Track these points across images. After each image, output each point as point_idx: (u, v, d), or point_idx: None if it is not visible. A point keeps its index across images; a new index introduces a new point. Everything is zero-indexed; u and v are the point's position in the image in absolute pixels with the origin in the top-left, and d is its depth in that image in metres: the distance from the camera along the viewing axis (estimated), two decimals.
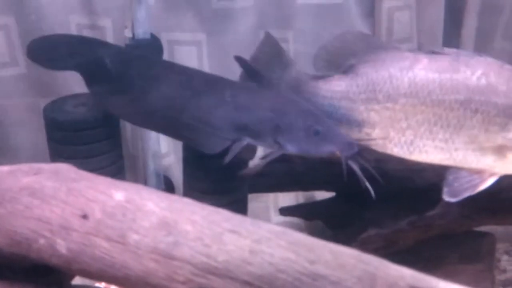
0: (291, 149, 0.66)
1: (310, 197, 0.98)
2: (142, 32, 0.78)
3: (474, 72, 0.57)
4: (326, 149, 0.63)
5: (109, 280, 0.50)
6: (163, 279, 0.48)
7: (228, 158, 0.68)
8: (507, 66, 0.58)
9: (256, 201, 0.98)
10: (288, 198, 0.96)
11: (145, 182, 0.83)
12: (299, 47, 0.91)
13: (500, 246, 0.89)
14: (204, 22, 0.91)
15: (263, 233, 0.51)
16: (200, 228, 0.50)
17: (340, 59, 0.64)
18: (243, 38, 0.92)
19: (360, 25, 0.93)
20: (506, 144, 0.56)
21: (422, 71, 0.59)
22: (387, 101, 0.59)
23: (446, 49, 0.59)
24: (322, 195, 0.90)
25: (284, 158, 0.87)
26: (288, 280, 0.47)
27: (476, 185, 0.58)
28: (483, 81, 0.56)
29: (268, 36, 0.71)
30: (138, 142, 0.86)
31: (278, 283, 0.47)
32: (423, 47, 0.93)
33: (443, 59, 0.58)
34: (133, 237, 0.49)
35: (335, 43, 0.65)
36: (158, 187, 0.83)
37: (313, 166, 0.84)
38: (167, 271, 0.48)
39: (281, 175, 0.84)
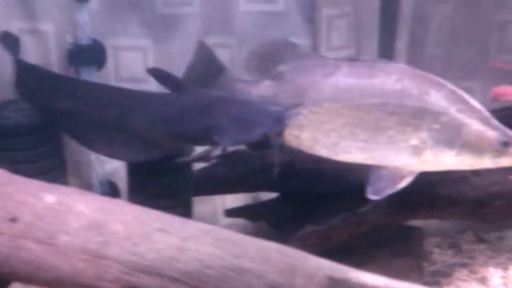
0: (225, 143, 0.70)
1: (258, 198, 1.01)
2: (84, 37, 0.79)
3: (389, 78, 0.61)
4: (258, 132, 0.66)
5: (39, 282, 0.51)
6: (93, 278, 0.50)
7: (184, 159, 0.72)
8: (419, 72, 0.62)
9: (204, 203, 1.00)
10: (236, 200, 0.98)
11: (89, 187, 0.84)
12: (242, 53, 0.94)
13: (433, 240, 0.94)
14: (150, 28, 0.93)
15: (191, 231, 0.54)
16: (130, 228, 0.52)
17: (269, 65, 0.67)
18: (188, 44, 0.94)
19: (301, 32, 0.96)
20: (420, 143, 0.61)
21: (344, 77, 0.63)
22: (313, 105, 0.63)
23: (365, 57, 0.63)
24: (269, 196, 0.94)
25: (227, 161, 0.90)
26: (214, 275, 0.50)
27: (396, 183, 0.62)
28: (398, 85, 0.61)
29: (202, 45, 0.74)
30: (82, 147, 0.87)
31: (205, 278, 0.50)
32: (361, 54, 0.97)
33: (362, 66, 0.63)
34: (63, 238, 0.50)
35: (263, 49, 0.68)
36: (103, 192, 0.84)
37: (255, 168, 0.87)
38: (97, 271, 0.50)
39: (224, 177, 0.87)
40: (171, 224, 0.53)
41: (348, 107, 0.62)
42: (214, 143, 0.70)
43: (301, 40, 0.97)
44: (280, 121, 0.64)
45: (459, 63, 1.01)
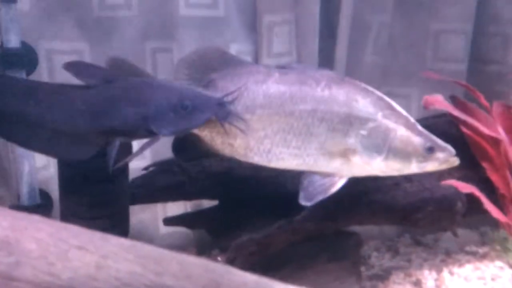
0: (166, 132, 0.66)
1: (198, 206, 1.00)
2: (12, 40, 0.76)
3: (318, 84, 0.62)
4: (201, 119, 0.64)
5: None
6: None
7: (109, 164, 0.68)
8: (347, 79, 0.63)
9: (144, 212, 0.98)
10: (176, 208, 0.97)
11: (18, 197, 0.80)
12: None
13: (372, 244, 0.96)
14: (86, 31, 0.90)
15: (111, 248, 0.52)
16: (45, 246, 0.49)
17: (199, 73, 0.67)
18: (127, 47, 0.92)
19: (242, 38, 0.96)
20: (348, 148, 0.62)
21: (275, 84, 0.63)
22: (245, 112, 0.62)
23: (294, 64, 0.63)
24: (211, 204, 0.93)
25: (166, 169, 0.88)
26: None
27: (328, 188, 0.62)
28: (326, 92, 0.61)
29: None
30: (9, 154, 0.83)
31: None
32: (301, 60, 0.98)
33: (292, 73, 0.63)
34: None
35: (194, 57, 0.68)
36: (31, 202, 0.80)
37: (195, 175, 0.86)
38: None
39: (162, 185, 0.86)
40: (91, 241, 0.51)
41: (280, 114, 0.62)
42: (152, 134, 0.67)
43: (242, 46, 0.97)
44: (223, 106, 0.62)
45: (397, 70, 1.03)
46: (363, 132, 0.61)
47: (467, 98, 0.96)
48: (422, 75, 0.91)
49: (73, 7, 0.88)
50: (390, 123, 0.61)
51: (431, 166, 0.62)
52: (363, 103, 0.62)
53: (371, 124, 0.61)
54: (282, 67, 0.64)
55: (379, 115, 0.61)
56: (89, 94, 0.68)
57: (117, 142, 0.69)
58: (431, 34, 1.01)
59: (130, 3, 0.91)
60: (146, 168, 0.86)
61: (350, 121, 0.61)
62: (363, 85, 0.63)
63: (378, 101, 0.62)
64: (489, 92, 0.93)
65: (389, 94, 1.05)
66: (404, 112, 0.63)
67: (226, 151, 0.67)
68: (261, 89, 0.63)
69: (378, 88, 1.04)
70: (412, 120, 0.63)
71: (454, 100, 0.81)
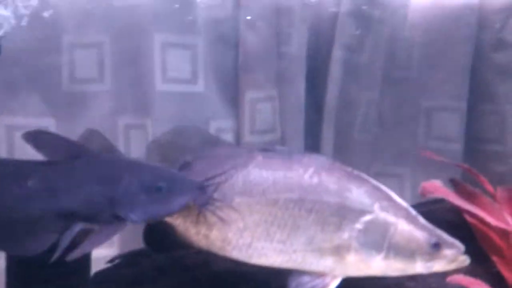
0: (136, 218, 0.56)
1: None
2: None
3: (306, 170, 0.54)
4: (177, 204, 0.55)
5: None
6: None
7: (57, 253, 0.57)
8: (337, 164, 0.56)
9: None
10: None
11: None
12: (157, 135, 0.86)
13: None
14: (53, 106, 0.83)
15: None
16: None
17: (174, 154, 0.59)
18: (97, 123, 0.85)
19: (223, 115, 0.90)
20: (342, 245, 0.53)
21: (257, 169, 0.55)
22: (218, 205, 0.54)
23: (279, 147, 0.56)
24: None
25: (134, 261, 0.78)
26: None
27: None
28: (315, 179, 0.53)
29: (88, 132, 0.63)
30: None
31: None
32: (286, 138, 0.92)
33: (277, 157, 0.56)
34: None
35: (169, 136, 0.60)
36: None
37: (167, 269, 0.76)
38: None
39: (130, 280, 0.75)
40: None
41: (262, 203, 0.54)
42: (119, 220, 0.57)
43: (223, 123, 0.91)
44: (203, 190, 0.54)
45: (388, 148, 0.98)
46: (358, 226, 0.53)
47: (464, 178, 0.90)
48: (421, 154, 0.84)
49: (39, 80, 0.82)
50: (389, 216, 0.53)
51: (438, 265, 0.53)
52: (357, 193, 0.54)
53: (367, 217, 0.53)
54: (265, 150, 0.57)
55: (376, 207, 0.53)
56: (48, 170, 0.60)
57: (76, 227, 0.59)
58: (423, 111, 0.96)
59: (103, 76, 0.86)
60: (111, 261, 0.75)
61: (343, 214, 0.53)
62: (356, 172, 0.55)
63: (374, 191, 0.54)
64: (487, 172, 0.87)
65: (380, 174, 1.01)
66: (404, 203, 0.55)
67: (202, 243, 0.58)
68: (241, 174, 0.55)
69: (368, 167, 0.99)
70: (413, 212, 0.55)
71: (454, 184, 0.74)
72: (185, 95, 0.88)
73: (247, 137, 0.90)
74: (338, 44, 0.92)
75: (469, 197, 0.71)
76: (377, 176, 1.00)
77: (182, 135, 0.61)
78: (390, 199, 0.54)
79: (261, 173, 0.54)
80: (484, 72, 0.92)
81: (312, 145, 0.95)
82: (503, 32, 0.90)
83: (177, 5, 0.85)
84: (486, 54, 0.92)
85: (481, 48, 0.92)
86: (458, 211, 0.72)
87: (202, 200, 0.55)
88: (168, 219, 0.60)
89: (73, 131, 0.84)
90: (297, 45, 0.92)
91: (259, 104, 0.91)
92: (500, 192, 0.72)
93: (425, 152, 0.84)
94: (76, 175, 0.59)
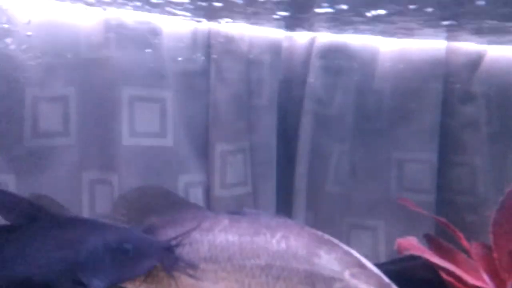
0: (100, 283, 0.53)
1: None
2: None
3: (274, 235, 0.52)
4: (145, 266, 0.52)
5: None
6: None
7: None
8: (307, 229, 0.54)
9: None
10: None
11: None
12: (123, 192, 0.83)
13: None
14: (13, 162, 0.80)
15: None
16: None
17: (139, 214, 0.56)
18: (61, 178, 0.82)
19: (193, 169, 0.88)
20: None
21: (223, 233, 0.53)
22: (187, 266, 0.51)
23: (247, 210, 0.54)
24: None
25: None
26: None
27: None
28: (283, 245, 0.51)
29: (35, 198, 0.60)
30: None
31: None
32: (258, 191, 0.90)
33: (244, 221, 0.54)
34: None
35: (135, 196, 0.58)
36: None
37: None
38: None
39: None
40: None
41: (227, 269, 0.51)
42: (81, 286, 0.54)
43: (192, 177, 0.88)
44: (171, 251, 0.52)
45: (361, 200, 0.96)
46: None
47: (438, 231, 0.89)
48: (398, 202, 0.83)
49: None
50: (360, 284, 0.51)
51: None
52: (327, 259, 0.51)
53: (337, 285, 0.51)
54: (232, 213, 0.55)
55: (347, 274, 0.51)
56: (0, 235, 0.56)
57: None
58: (394, 163, 0.96)
59: (68, 130, 0.83)
60: None
61: (312, 281, 0.50)
62: (326, 236, 0.54)
63: (344, 257, 0.52)
64: (459, 223, 0.86)
65: (354, 226, 0.99)
66: (375, 270, 0.53)
67: None
68: (206, 238, 0.52)
69: (342, 220, 0.98)
70: (386, 279, 0.53)
71: (429, 240, 0.73)
72: (154, 149, 0.86)
73: (218, 191, 0.88)
74: (309, 96, 0.93)
75: (444, 253, 0.69)
76: (351, 228, 0.99)
77: (148, 194, 0.58)
78: (361, 265, 0.52)
79: (227, 237, 0.52)
80: (453, 124, 0.93)
81: (285, 197, 0.93)
82: (469, 85, 0.92)
83: (146, 58, 0.84)
84: (455, 107, 0.93)
85: (449, 100, 0.93)
86: (434, 268, 0.70)
87: (169, 262, 0.52)
88: (128, 285, 0.56)
89: (34, 187, 0.82)
90: (268, 98, 0.92)
91: (230, 156, 0.89)
92: (475, 248, 0.70)
93: (402, 200, 0.83)
94: (33, 240, 0.55)
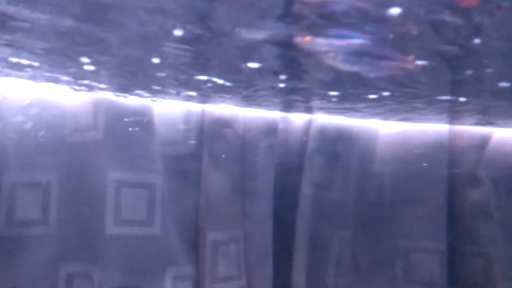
0: None
1: None
2: None
3: None
4: None
5: None
6: None
7: None
8: None
9: None
10: None
11: None
12: (107, 285, 0.75)
13: None
14: None
15: None
16: None
17: None
18: (37, 272, 0.74)
19: (182, 260, 0.81)
20: None
21: None
22: None
23: None
24: None
25: None
26: None
27: None
28: None
29: None
30: None
31: None
32: (252, 286, 0.82)
33: None
34: None
35: None
36: None
37: None
38: None
39: None
40: None
41: None
42: None
43: (182, 270, 0.81)
44: None
45: None
46: None
47: None
48: None
49: None
50: None
51: None
52: None
53: None
54: None
55: None
56: None
57: None
58: (400, 252, 0.89)
59: (47, 218, 0.77)
60: None
61: None
62: None
63: None
64: None
65: None
66: None
67: None
68: None
69: None
70: None
71: None
72: (140, 239, 0.79)
73: (208, 286, 0.80)
74: (307, 181, 0.87)
75: None
76: None
77: None
78: None
79: None
80: (461, 210, 0.87)
81: None
82: (475, 169, 0.87)
83: (135, 141, 0.80)
84: (461, 192, 0.88)
85: (455, 185, 0.88)
86: None
87: None
88: None
89: (8, 281, 0.74)
90: (264, 182, 0.87)
91: (222, 246, 0.82)
92: None
93: None
94: None
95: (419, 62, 0.51)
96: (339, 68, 0.53)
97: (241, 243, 0.84)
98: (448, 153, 0.87)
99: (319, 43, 0.45)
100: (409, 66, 0.52)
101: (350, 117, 0.89)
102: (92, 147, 0.78)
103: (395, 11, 0.38)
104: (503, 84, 0.58)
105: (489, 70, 0.53)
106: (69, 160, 0.77)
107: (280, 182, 0.88)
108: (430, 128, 0.89)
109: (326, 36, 0.44)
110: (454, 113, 0.79)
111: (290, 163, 0.90)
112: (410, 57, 0.50)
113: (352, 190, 0.90)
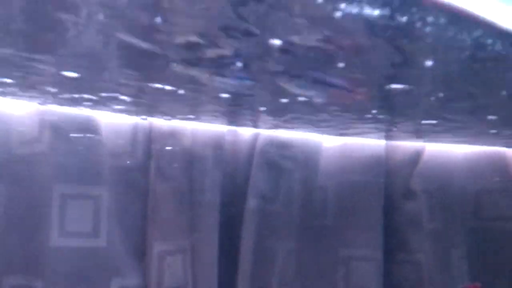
0: None
1: None
2: None
3: None
4: None
5: None
6: None
7: None
8: None
9: None
10: None
11: None
12: None
13: None
14: None
15: None
16: None
17: None
18: None
19: (128, 271, 0.81)
20: None
21: None
22: None
23: None
24: None
25: None
26: None
27: None
28: None
29: None
30: None
31: None
32: None
33: None
34: None
35: None
36: None
37: None
38: None
39: None
40: None
41: None
42: None
43: (127, 280, 0.82)
44: None
45: None
46: None
47: None
48: None
49: None
50: None
51: None
52: None
53: None
54: None
55: None
56: None
57: None
58: (341, 261, 0.93)
59: None
60: None
61: None
62: None
63: None
64: None
65: None
66: None
67: None
68: None
69: None
70: None
71: None
72: (85, 250, 0.79)
73: None
74: (252, 193, 0.90)
75: None
76: None
77: None
78: None
79: None
80: (396, 220, 0.93)
81: None
82: (409, 182, 0.93)
83: (82, 153, 0.80)
84: (397, 203, 0.94)
85: (391, 197, 0.94)
86: None
87: None
88: None
89: None
90: (211, 194, 0.89)
91: (169, 257, 0.84)
92: None
93: None
94: None
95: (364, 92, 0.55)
96: (292, 91, 0.56)
97: (188, 254, 0.85)
98: (385, 167, 0.93)
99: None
100: (358, 97, 0.56)
101: (295, 130, 0.93)
102: (37, 159, 0.78)
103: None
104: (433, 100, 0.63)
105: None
106: (14, 173, 0.77)
107: (226, 194, 0.91)
108: (368, 143, 0.94)
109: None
110: (390, 131, 0.84)
111: (237, 175, 0.93)
112: (359, 88, 0.53)
113: (296, 202, 0.93)
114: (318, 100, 0.59)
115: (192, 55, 0.45)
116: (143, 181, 0.85)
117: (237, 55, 0.44)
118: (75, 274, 0.77)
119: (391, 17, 0.33)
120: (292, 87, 0.54)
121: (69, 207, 0.78)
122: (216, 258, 0.86)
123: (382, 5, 0.31)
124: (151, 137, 0.86)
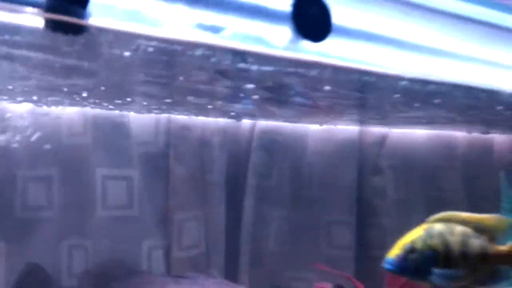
0: None
1: None
2: None
3: None
4: None
5: None
6: None
7: None
8: (238, 287, 0.72)
9: None
10: None
11: None
12: (97, 257, 0.99)
13: None
14: (4, 230, 0.96)
15: None
16: None
17: (102, 284, 0.73)
18: (45, 246, 0.98)
19: (155, 234, 1.06)
20: None
21: None
22: None
23: (189, 273, 0.72)
24: None
25: None
26: None
27: None
28: None
29: (30, 266, 0.76)
30: None
31: None
32: (209, 252, 1.08)
33: (186, 282, 0.71)
34: None
35: (97, 269, 0.75)
36: None
37: None
38: None
39: None
40: None
41: None
42: None
43: (155, 241, 1.06)
44: None
45: (297, 257, 1.15)
46: None
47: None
48: (316, 266, 1.03)
49: None
50: None
51: None
52: None
53: None
54: (177, 277, 0.72)
55: None
56: None
57: None
58: (324, 225, 1.16)
59: (52, 204, 1.00)
60: None
61: None
62: None
63: None
64: (374, 273, 1.05)
65: (293, 278, 1.18)
66: None
67: None
68: None
69: (281, 273, 1.16)
70: None
71: None
72: (122, 219, 1.03)
73: (176, 253, 1.06)
74: (251, 172, 1.13)
75: None
76: (290, 280, 1.18)
77: (108, 267, 0.75)
78: None
79: None
80: (367, 192, 1.15)
81: (232, 257, 1.11)
82: (378, 160, 1.15)
83: (116, 144, 1.03)
84: (368, 178, 1.16)
85: (363, 173, 1.16)
86: None
87: None
88: None
89: (23, 254, 0.97)
90: (218, 174, 1.12)
91: (186, 223, 1.08)
92: None
93: (320, 265, 1.03)
94: None
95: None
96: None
97: (201, 221, 1.09)
98: (358, 147, 1.14)
99: None
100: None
101: (285, 121, 1.15)
102: (82, 148, 1.01)
103: None
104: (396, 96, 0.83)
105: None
106: (65, 159, 1.01)
107: (231, 174, 1.13)
108: (346, 128, 1.16)
109: None
110: (362, 120, 1.06)
111: (239, 158, 1.15)
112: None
113: (288, 178, 1.16)
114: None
115: None
116: (165, 165, 1.09)
117: None
118: (115, 236, 1.01)
119: None
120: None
121: (108, 186, 1.02)
122: (223, 223, 1.10)
123: None
124: (169, 130, 1.09)
